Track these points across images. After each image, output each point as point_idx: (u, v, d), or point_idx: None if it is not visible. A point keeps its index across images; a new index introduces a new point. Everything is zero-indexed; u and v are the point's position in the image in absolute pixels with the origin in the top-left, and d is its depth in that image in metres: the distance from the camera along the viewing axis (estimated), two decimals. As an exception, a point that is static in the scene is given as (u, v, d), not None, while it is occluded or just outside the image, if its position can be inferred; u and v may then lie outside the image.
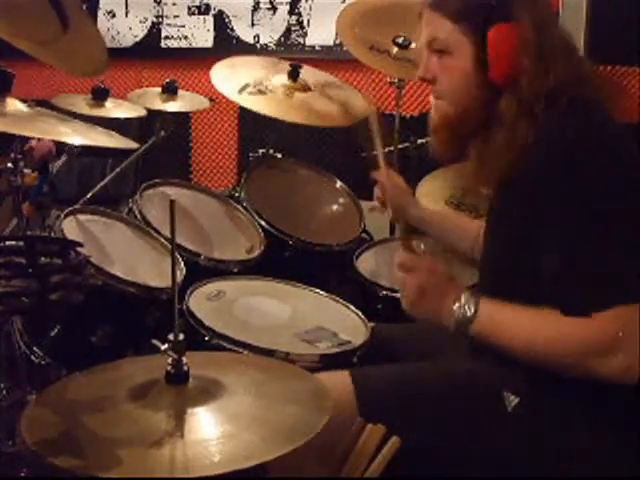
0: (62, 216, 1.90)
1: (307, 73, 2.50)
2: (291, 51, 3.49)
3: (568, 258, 1.18)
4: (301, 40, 3.49)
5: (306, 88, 2.49)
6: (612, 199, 1.17)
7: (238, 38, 3.60)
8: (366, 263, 2.21)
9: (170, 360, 1.06)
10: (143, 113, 2.74)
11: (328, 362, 1.55)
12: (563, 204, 1.19)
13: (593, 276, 1.17)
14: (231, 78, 2.44)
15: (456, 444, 1.28)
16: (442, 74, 1.33)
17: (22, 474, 1.61)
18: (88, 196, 2.65)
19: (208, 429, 1.00)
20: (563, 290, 1.20)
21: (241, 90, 2.41)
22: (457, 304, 1.28)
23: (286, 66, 2.47)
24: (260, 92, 2.42)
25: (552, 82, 1.24)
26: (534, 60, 1.24)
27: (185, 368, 1.06)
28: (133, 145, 1.86)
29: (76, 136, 1.70)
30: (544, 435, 1.24)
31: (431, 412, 1.29)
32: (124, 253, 1.95)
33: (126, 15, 3.78)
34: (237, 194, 2.40)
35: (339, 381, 1.33)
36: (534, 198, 1.22)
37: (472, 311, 1.27)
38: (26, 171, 1.98)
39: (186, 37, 3.70)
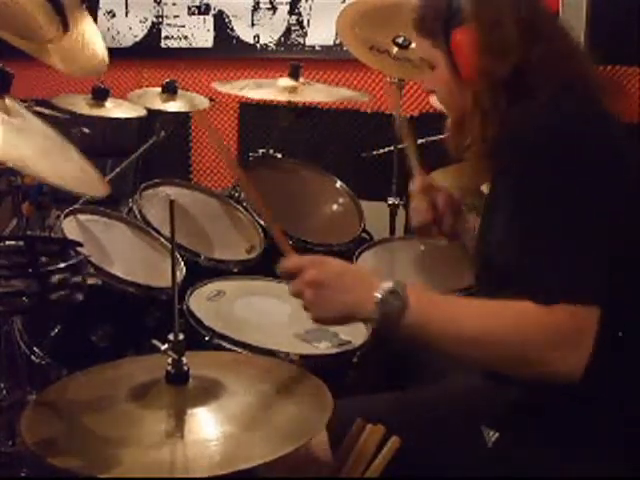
0: (62, 216, 1.90)
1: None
2: (291, 51, 3.49)
3: (533, 248, 1.12)
4: (301, 40, 3.49)
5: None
6: (577, 197, 1.12)
7: (238, 38, 3.60)
8: (366, 263, 2.21)
9: (170, 360, 1.06)
10: (143, 113, 2.74)
11: (328, 362, 1.55)
12: (528, 197, 1.16)
13: (556, 267, 1.10)
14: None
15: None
16: (435, 86, 1.41)
17: (22, 474, 1.61)
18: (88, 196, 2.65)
19: (208, 429, 1.00)
20: (525, 276, 1.12)
21: (242, 88, 2.42)
22: (379, 290, 1.11)
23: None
24: (261, 87, 2.43)
25: (506, 74, 1.26)
26: (482, 55, 1.28)
27: (185, 368, 1.06)
28: (100, 192, 1.50)
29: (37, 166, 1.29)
30: (527, 469, 1.22)
31: (407, 446, 1.21)
32: (124, 253, 1.95)
33: (126, 15, 3.78)
34: (237, 194, 2.40)
35: None
36: (509, 189, 1.21)
37: (402, 295, 1.10)
38: (26, 171, 1.97)
39: (186, 37, 3.70)
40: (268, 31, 3.54)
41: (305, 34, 3.48)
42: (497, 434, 1.24)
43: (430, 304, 1.14)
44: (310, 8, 3.45)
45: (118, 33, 3.78)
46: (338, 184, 2.61)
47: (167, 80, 2.82)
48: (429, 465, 1.27)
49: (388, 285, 1.12)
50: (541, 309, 1.08)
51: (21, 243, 1.45)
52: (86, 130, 2.69)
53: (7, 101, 1.39)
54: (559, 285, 1.09)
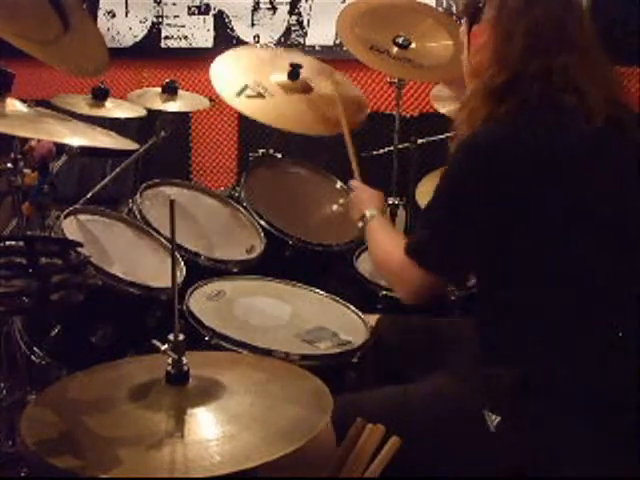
0: (62, 216, 1.90)
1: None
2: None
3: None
4: (301, 40, 3.50)
5: (306, 89, 2.48)
6: (448, 191, 1.38)
7: (238, 38, 3.60)
8: (366, 263, 2.21)
9: (170, 360, 1.06)
10: (143, 113, 2.74)
11: (328, 362, 1.55)
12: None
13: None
14: (230, 77, 2.44)
15: (441, 467, 1.29)
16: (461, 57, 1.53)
17: (22, 474, 1.62)
18: (88, 196, 2.65)
19: (208, 429, 1.00)
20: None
21: (240, 93, 2.40)
22: (368, 211, 1.72)
23: (286, 63, 2.46)
24: (259, 95, 2.41)
25: (500, 84, 1.33)
26: (487, 59, 1.38)
27: (185, 368, 1.06)
28: (132, 146, 1.83)
29: (76, 136, 1.68)
30: (529, 451, 1.24)
31: (413, 437, 1.23)
32: (124, 253, 1.94)
33: (126, 15, 3.79)
34: (237, 194, 2.40)
35: None
36: None
37: (371, 216, 1.70)
38: (26, 171, 1.98)
39: (186, 37, 3.70)
40: (268, 31, 3.54)
41: (305, 34, 3.49)
42: (499, 418, 1.26)
43: (378, 225, 1.69)
44: (310, 8, 3.45)
45: (118, 33, 3.79)
46: (338, 184, 2.61)
47: (167, 80, 2.83)
48: (431, 458, 1.29)
49: (372, 212, 1.73)
50: (401, 254, 1.44)
51: (21, 243, 1.45)
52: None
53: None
54: (413, 246, 1.43)
